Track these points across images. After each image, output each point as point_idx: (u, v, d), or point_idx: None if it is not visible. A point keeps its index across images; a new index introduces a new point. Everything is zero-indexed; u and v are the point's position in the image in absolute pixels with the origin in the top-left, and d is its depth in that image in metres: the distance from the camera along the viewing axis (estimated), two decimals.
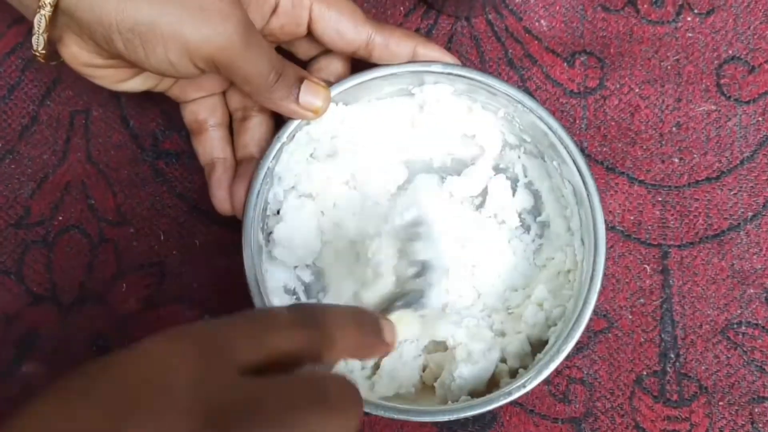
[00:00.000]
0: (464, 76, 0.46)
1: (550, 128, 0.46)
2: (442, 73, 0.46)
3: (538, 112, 0.46)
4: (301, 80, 0.44)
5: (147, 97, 0.52)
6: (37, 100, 0.52)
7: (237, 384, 0.30)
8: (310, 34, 0.46)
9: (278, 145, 0.46)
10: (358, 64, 0.47)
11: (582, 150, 0.51)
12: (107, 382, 0.29)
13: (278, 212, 0.48)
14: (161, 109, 0.52)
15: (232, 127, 0.49)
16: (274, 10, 0.44)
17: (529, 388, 0.42)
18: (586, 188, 0.45)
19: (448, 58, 0.46)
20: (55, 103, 0.52)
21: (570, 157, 0.46)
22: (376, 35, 0.45)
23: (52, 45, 0.42)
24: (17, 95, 0.52)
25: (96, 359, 0.29)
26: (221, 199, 0.47)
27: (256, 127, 0.47)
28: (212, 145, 0.48)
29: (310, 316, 0.34)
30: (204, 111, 0.48)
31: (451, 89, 0.48)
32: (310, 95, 0.44)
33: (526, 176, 0.50)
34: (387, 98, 0.49)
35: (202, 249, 0.51)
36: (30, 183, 0.51)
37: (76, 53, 0.42)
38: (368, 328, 0.37)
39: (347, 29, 0.45)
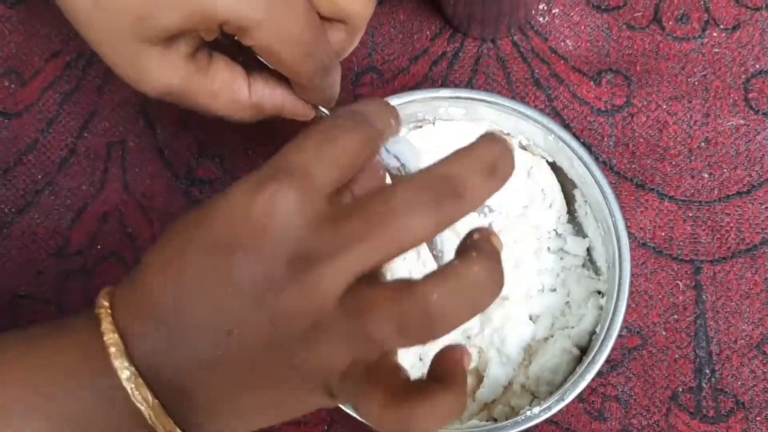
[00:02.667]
0: (486, 101, 0.47)
1: (567, 144, 0.46)
2: (460, 98, 0.47)
3: (558, 133, 0.46)
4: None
5: (181, 126, 0.53)
6: (74, 132, 0.53)
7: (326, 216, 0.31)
8: None
9: None
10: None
11: (611, 167, 0.52)
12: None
13: None
14: (195, 137, 0.53)
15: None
16: None
17: (567, 400, 0.43)
18: (609, 208, 0.45)
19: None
20: (93, 135, 0.53)
21: (589, 173, 0.46)
22: None
23: None
24: (56, 128, 0.53)
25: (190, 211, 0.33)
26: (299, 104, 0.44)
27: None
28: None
29: (359, 116, 0.34)
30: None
31: (464, 111, 0.48)
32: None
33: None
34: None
35: None
36: (69, 213, 0.52)
37: None
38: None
39: None
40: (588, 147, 0.52)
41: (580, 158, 0.46)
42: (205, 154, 0.53)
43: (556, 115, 0.52)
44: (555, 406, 0.43)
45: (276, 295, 0.30)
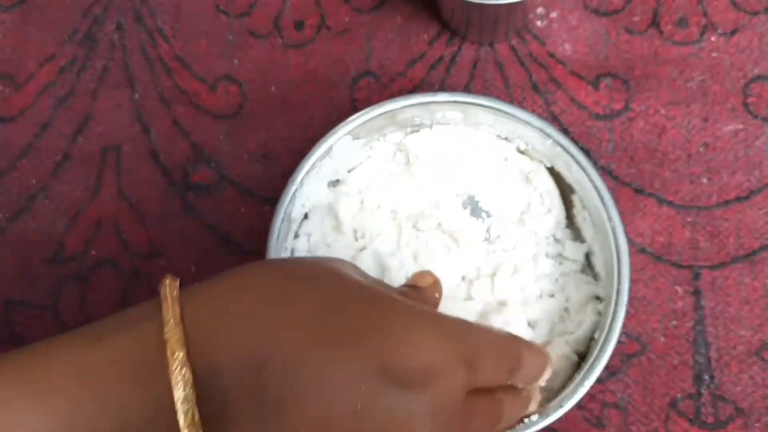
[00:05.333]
0: (483, 105, 0.47)
1: (565, 148, 0.46)
2: (457, 102, 0.47)
3: (557, 138, 0.46)
4: None
5: (176, 131, 0.53)
6: (69, 137, 0.53)
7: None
8: None
9: (293, 189, 0.45)
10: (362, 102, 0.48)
11: (609, 172, 0.51)
12: None
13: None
14: (190, 142, 0.53)
15: None
16: None
17: (566, 407, 0.42)
18: (608, 212, 0.45)
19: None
20: (87, 140, 0.53)
21: (588, 178, 0.46)
22: None
23: None
24: (50, 133, 0.53)
25: None
26: None
27: None
28: None
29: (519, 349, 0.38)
30: None
31: (461, 116, 0.48)
32: None
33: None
34: (397, 131, 0.49)
35: None
36: (64, 219, 0.52)
37: None
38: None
39: None
40: (586, 152, 0.51)
41: (579, 163, 0.46)
42: (200, 159, 0.53)
43: (554, 120, 0.52)
44: (553, 412, 0.42)
45: None
